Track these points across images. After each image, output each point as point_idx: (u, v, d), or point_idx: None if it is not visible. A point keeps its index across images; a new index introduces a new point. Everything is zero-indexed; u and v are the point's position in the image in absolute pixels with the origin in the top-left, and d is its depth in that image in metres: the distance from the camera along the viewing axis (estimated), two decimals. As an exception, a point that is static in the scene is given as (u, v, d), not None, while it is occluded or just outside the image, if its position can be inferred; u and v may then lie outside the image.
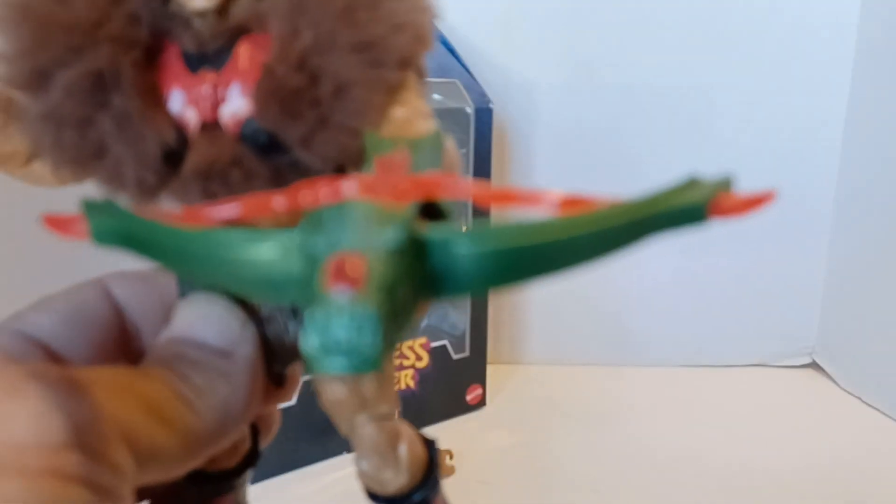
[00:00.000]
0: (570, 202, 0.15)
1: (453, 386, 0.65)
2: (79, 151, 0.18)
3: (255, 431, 0.24)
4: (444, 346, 0.64)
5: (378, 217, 0.14)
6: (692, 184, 0.15)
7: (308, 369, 0.13)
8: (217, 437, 0.19)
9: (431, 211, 0.16)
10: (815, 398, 0.71)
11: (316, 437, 0.56)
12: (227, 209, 0.17)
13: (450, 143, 0.19)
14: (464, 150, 0.62)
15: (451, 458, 0.58)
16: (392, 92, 0.18)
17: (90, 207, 0.17)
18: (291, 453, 0.56)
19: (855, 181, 0.72)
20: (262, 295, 0.16)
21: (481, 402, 0.67)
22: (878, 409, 0.68)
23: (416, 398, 0.63)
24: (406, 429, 0.21)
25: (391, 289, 0.13)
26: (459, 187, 0.16)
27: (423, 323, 0.64)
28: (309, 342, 0.13)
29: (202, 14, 0.18)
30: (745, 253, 0.74)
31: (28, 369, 0.17)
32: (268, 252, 0.15)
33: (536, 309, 0.77)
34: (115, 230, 0.17)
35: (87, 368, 0.18)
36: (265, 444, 0.24)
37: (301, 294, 0.15)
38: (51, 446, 0.15)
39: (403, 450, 0.20)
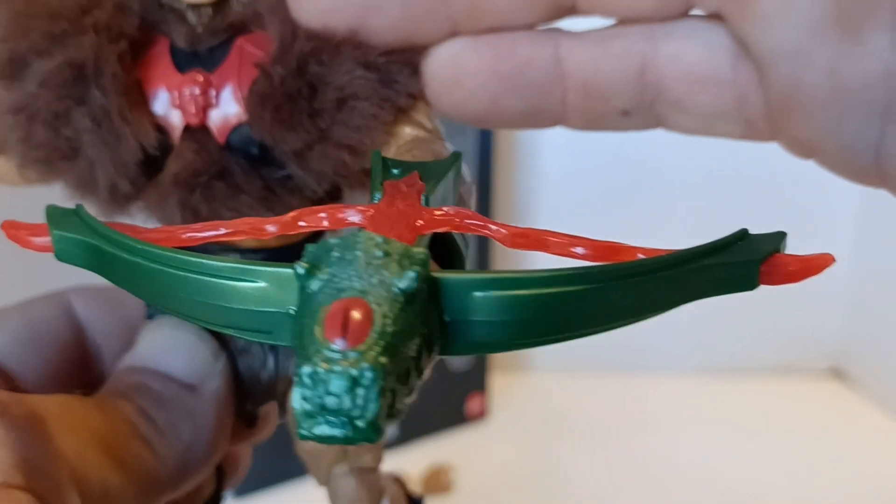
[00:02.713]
0: (605, 250, 0.14)
1: (452, 395, 0.65)
2: (49, 150, 0.18)
3: (220, 472, 0.23)
4: (442, 351, 0.64)
5: (389, 256, 0.13)
6: (743, 239, 0.14)
7: (296, 431, 0.12)
8: (177, 481, 0.19)
9: (437, 242, 0.15)
10: (835, 405, 0.72)
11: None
12: (213, 232, 0.16)
13: (465, 169, 0.18)
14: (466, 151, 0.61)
15: (448, 474, 0.57)
16: (401, 112, 0.18)
17: (55, 216, 0.16)
18: (284, 463, 0.55)
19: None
20: (247, 335, 0.15)
21: (483, 413, 0.67)
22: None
23: (410, 408, 0.62)
24: (391, 485, 0.21)
25: (400, 345, 0.12)
26: (481, 227, 0.15)
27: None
28: (298, 402, 0.12)
29: (197, 7, 0.18)
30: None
31: None
32: (261, 289, 0.14)
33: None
34: (82, 247, 0.16)
35: (40, 398, 0.17)
36: (231, 486, 0.24)
37: (294, 339, 0.13)
38: None
39: None
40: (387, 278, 0.13)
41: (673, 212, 0.70)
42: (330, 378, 0.12)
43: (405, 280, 0.12)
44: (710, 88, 0.17)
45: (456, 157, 0.17)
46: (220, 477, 0.23)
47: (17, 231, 0.16)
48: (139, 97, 0.18)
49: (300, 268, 0.13)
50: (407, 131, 0.18)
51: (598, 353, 0.77)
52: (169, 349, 0.19)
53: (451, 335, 0.13)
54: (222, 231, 0.16)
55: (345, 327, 0.12)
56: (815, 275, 0.14)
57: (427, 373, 0.14)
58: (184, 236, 0.16)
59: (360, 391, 0.12)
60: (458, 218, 0.15)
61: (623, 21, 0.18)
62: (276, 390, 0.20)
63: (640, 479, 0.59)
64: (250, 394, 0.20)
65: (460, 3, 0.17)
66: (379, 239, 0.13)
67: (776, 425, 0.68)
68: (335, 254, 0.13)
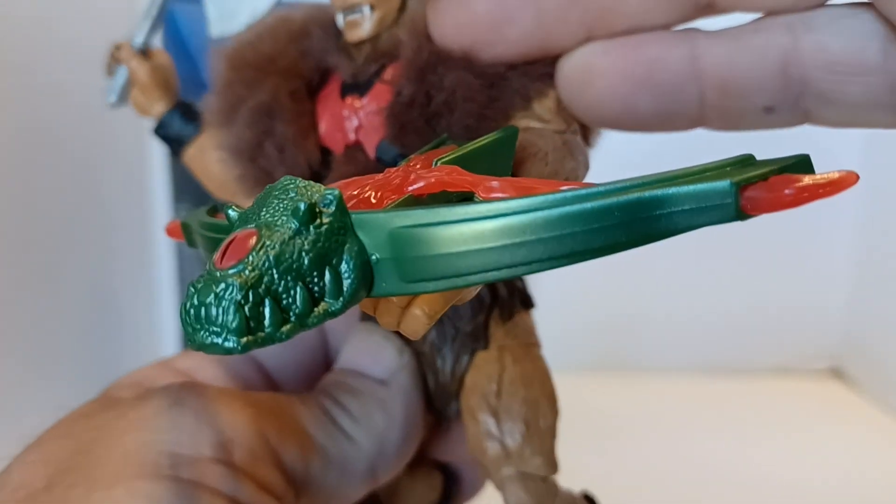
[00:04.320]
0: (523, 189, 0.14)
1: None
2: (251, 180, 0.22)
3: (448, 484, 0.25)
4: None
5: (298, 195, 0.14)
6: (741, 163, 0.12)
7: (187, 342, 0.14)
8: (374, 466, 0.21)
9: None
10: (836, 405, 0.73)
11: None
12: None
13: (528, 136, 0.19)
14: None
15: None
16: (518, 109, 0.20)
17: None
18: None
19: (881, 177, 0.74)
20: None
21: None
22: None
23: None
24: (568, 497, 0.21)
25: (281, 267, 0.13)
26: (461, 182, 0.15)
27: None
28: (180, 313, 0.13)
29: (358, 45, 0.21)
30: (765, 251, 0.76)
31: (190, 386, 0.20)
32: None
33: (539, 309, 0.77)
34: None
35: (250, 393, 0.20)
36: (461, 501, 0.26)
37: None
38: (200, 459, 0.18)
39: None
40: (285, 211, 0.14)
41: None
42: (199, 291, 0.13)
43: (294, 211, 0.13)
44: (858, 78, 0.16)
45: (506, 131, 0.18)
46: (448, 489, 0.25)
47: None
48: (309, 124, 0.21)
49: (232, 211, 0.15)
50: (521, 122, 0.20)
51: (598, 352, 0.77)
52: (361, 350, 0.22)
53: (380, 273, 0.14)
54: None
55: (228, 251, 0.13)
56: (826, 196, 0.11)
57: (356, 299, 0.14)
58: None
59: (224, 303, 0.13)
60: (447, 175, 0.15)
61: (764, 15, 0.17)
62: (452, 389, 0.22)
63: (641, 478, 0.59)
64: (433, 392, 0.22)
65: (593, 9, 0.18)
66: (298, 182, 0.14)
67: (777, 425, 0.69)
68: (261, 196, 0.14)
